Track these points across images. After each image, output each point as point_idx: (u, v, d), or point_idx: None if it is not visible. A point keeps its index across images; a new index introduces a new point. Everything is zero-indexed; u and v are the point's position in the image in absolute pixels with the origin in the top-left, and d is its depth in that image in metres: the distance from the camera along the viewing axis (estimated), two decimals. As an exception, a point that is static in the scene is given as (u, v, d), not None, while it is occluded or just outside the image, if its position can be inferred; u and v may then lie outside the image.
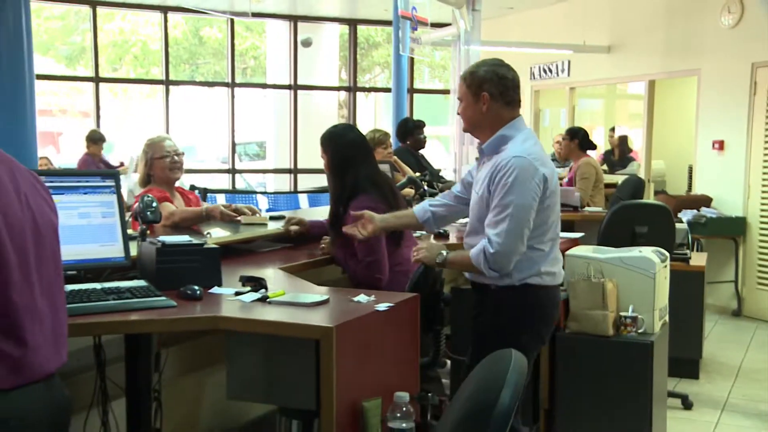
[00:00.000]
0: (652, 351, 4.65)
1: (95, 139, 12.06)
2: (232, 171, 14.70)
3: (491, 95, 3.71)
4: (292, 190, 13.82)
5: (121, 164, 12.16)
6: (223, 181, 14.43)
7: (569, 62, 12.37)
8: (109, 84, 14.85)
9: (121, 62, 17.71)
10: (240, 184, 14.92)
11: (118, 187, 3.54)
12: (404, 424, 2.87)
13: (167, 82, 14.13)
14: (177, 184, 5.25)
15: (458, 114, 3.94)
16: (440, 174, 7.90)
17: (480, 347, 3.63)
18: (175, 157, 4.94)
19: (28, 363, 2.27)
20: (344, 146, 4.51)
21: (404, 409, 2.89)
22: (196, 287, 3.31)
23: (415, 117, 10.15)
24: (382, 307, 3.13)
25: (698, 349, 6.76)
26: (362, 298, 3.25)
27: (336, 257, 4.56)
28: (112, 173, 3.60)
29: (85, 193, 3.36)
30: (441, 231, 4.44)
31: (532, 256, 3.68)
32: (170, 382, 3.91)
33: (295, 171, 14.76)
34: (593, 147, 8.99)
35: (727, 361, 7.33)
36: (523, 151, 3.66)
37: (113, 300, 3.08)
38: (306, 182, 14.25)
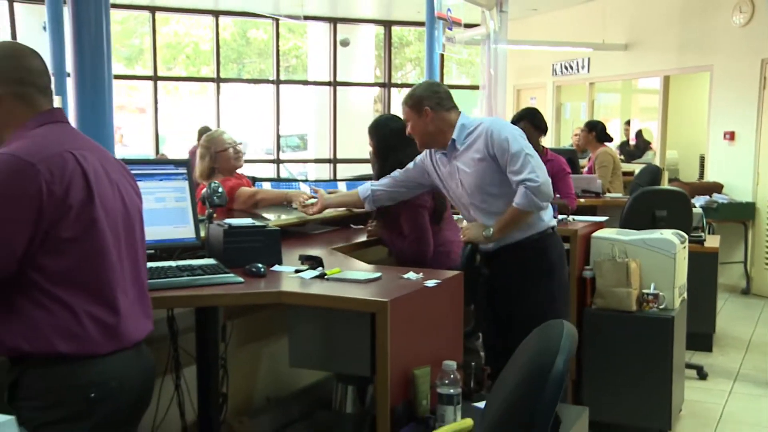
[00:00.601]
0: (673, 325, 4.67)
1: (205, 134, 12.29)
2: (277, 161, 14.77)
3: (431, 108, 3.94)
4: (332, 178, 13.86)
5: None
6: (268, 171, 14.50)
7: (589, 59, 12.32)
8: (163, 82, 14.90)
9: (175, 62, 17.80)
10: (283, 174, 14.96)
11: (189, 174, 3.58)
12: (452, 390, 2.90)
13: (218, 80, 14.22)
14: None
15: (409, 134, 4.12)
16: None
17: (532, 296, 3.98)
18: (236, 147, 5.00)
19: (121, 331, 2.33)
20: (387, 134, 4.58)
21: (452, 376, 2.91)
22: (260, 265, 3.33)
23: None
24: (431, 283, 3.16)
25: (712, 324, 6.75)
26: (411, 275, 3.26)
27: (382, 237, 4.62)
28: (185, 161, 3.65)
29: (161, 180, 3.41)
30: None
31: None
32: (232, 351, 3.95)
33: (334, 161, 14.79)
34: (610, 139, 8.96)
35: (738, 336, 7.30)
36: (492, 118, 4.16)
37: (187, 276, 3.11)
38: (345, 171, 14.31)
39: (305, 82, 15.76)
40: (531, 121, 5.89)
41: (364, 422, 3.46)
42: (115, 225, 2.36)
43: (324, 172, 14.89)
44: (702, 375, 5.98)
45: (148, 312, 2.52)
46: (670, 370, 4.68)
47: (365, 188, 4.35)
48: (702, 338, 6.55)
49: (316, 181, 13.11)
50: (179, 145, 13.70)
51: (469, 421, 2.91)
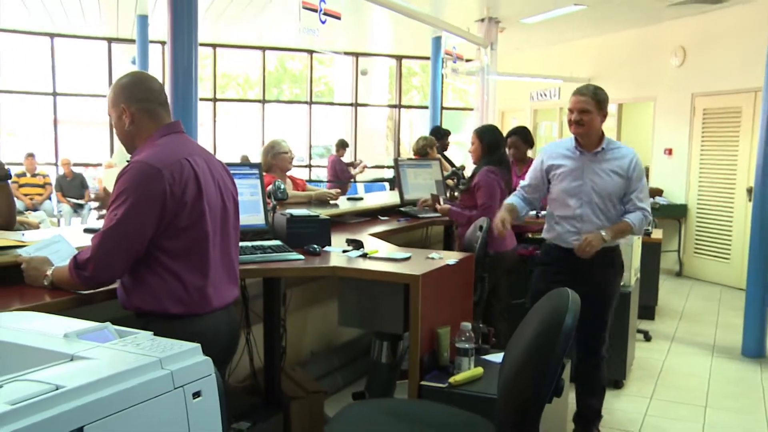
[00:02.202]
0: (630, 299, 4.69)
1: (343, 145, 12.62)
2: (309, 166, 14.80)
3: (607, 111, 3.62)
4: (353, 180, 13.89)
5: (360, 161, 12.91)
6: (302, 174, 14.50)
7: (560, 89, 12.26)
8: (220, 103, 14.90)
9: (228, 87, 17.76)
10: (314, 176, 14.96)
11: (260, 174, 3.60)
12: (467, 345, 2.94)
13: (264, 101, 14.27)
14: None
15: (576, 121, 3.57)
16: (464, 169, 7.93)
17: (610, 287, 3.69)
18: (291, 154, 5.05)
19: (215, 294, 2.37)
20: (494, 137, 4.84)
21: (467, 334, 2.95)
22: (316, 246, 3.37)
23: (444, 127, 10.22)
24: (451, 261, 3.19)
25: (655, 298, 6.77)
26: (435, 255, 3.29)
27: (453, 212, 4.79)
28: (257, 164, 3.66)
29: (240, 178, 3.37)
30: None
31: None
32: (290, 314, 3.95)
33: (354, 166, 14.82)
34: None
35: (674, 308, 7.35)
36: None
37: (260, 254, 3.14)
38: (363, 175, 14.32)
39: (332, 104, 15.74)
40: (522, 136, 5.89)
41: (396, 370, 3.51)
42: (215, 214, 2.39)
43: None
44: (647, 338, 6.00)
45: (236, 281, 2.55)
46: (627, 334, 4.70)
47: (523, 207, 3.86)
48: (647, 309, 6.58)
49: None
50: (229, 153, 13.63)
51: (480, 369, 2.95)
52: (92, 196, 11.78)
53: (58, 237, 2.67)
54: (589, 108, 3.53)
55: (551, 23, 9.96)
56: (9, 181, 3.17)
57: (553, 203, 3.75)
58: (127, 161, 2.32)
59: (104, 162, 12.06)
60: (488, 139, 4.77)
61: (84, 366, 1.30)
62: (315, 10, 5.47)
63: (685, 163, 9.36)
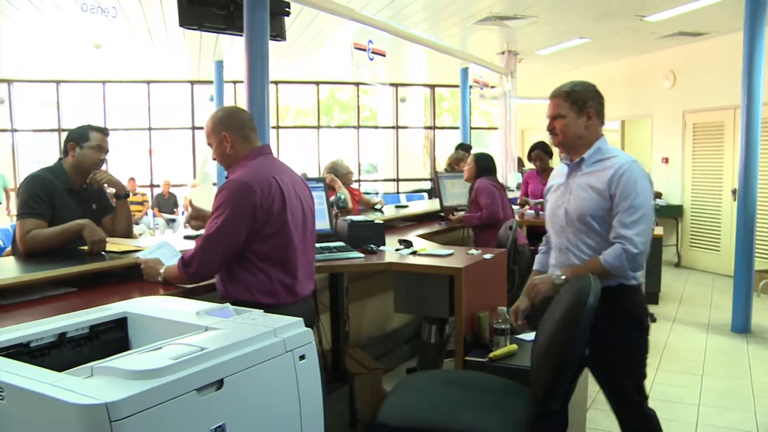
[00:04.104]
0: (640, 287, 4.64)
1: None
2: (359, 181, 14.87)
3: (596, 113, 2.47)
4: (396, 191, 13.92)
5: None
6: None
7: (570, 110, 12.20)
8: (279, 130, 15.10)
9: (287, 116, 17.94)
10: (362, 189, 15.00)
11: (326, 186, 3.66)
12: (504, 326, 2.94)
13: (318, 127, 14.41)
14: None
15: (551, 130, 2.53)
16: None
17: (624, 346, 2.39)
18: (351, 171, 5.14)
19: (296, 289, 2.43)
20: (482, 160, 4.95)
21: (503, 317, 2.95)
22: (373, 245, 3.41)
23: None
24: (488, 256, 3.21)
25: (658, 285, 6.68)
26: (473, 251, 3.31)
27: (465, 218, 4.88)
28: (322, 179, 3.72)
29: None
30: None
31: None
32: (351, 304, 3.97)
33: (397, 180, 14.81)
34: None
35: (674, 293, 7.24)
36: (632, 158, 2.45)
37: (327, 253, 3.20)
38: (404, 187, 14.38)
39: (376, 127, 15.83)
40: (543, 148, 5.90)
41: (443, 349, 3.53)
42: (296, 222, 2.44)
43: (390, 187, 14.97)
44: (653, 319, 5.93)
45: (313, 277, 2.60)
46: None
47: (544, 262, 2.75)
48: (652, 295, 6.51)
49: (385, 193, 13.19)
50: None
51: (514, 346, 2.95)
52: (183, 212, 12.21)
53: (164, 243, 2.78)
54: (562, 112, 2.48)
55: (561, 54, 9.90)
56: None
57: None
58: (226, 177, 2.41)
59: (190, 183, 12.55)
60: (483, 165, 4.90)
61: (217, 334, 1.40)
62: (364, 50, 5.55)
63: (680, 170, 9.24)
